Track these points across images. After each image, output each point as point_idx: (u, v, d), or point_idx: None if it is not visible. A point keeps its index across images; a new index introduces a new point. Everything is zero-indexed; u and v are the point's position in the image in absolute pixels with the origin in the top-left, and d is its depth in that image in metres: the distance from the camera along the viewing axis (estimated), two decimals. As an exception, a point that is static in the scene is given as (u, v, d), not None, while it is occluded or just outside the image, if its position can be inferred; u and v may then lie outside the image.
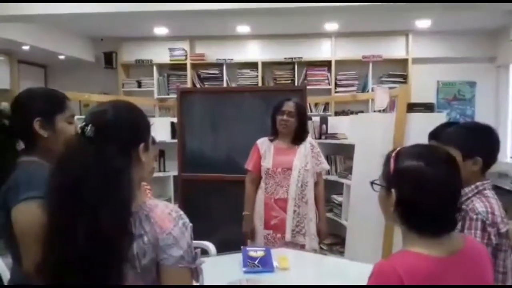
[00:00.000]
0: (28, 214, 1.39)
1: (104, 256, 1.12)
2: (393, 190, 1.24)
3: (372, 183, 1.34)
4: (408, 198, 1.22)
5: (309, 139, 3.24)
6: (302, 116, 3.15)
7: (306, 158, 3.09)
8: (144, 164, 1.28)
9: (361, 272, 2.22)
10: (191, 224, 1.25)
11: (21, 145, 1.66)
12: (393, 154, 1.28)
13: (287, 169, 3.06)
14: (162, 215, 1.21)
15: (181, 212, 1.25)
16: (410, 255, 1.20)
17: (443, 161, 1.25)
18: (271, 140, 3.19)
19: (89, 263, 1.12)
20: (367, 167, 3.46)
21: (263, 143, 3.20)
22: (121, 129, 1.23)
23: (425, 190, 1.20)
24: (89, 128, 1.19)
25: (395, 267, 1.15)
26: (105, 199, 1.13)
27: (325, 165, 3.25)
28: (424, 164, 1.21)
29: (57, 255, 1.14)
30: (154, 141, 2.12)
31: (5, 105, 1.69)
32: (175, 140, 4.39)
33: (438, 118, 3.25)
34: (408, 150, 1.29)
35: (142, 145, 1.26)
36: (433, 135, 2.28)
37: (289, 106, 3.09)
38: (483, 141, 1.81)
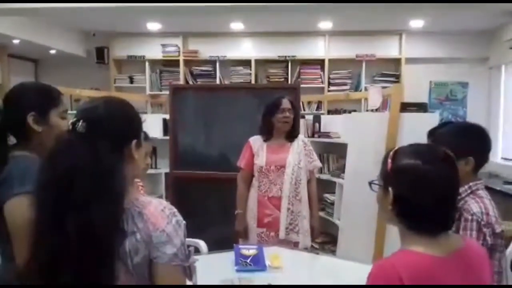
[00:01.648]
0: (23, 208, 1.36)
1: (95, 254, 1.10)
2: (390, 189, 1.25)
3: (370, 183, 1.35)
4: (405, 196, 1.22)
5: (301, 136, 3.25)
6: (297, 113, 3.22)
7: (299, 155, 3.09)
8: (137, 161, 1.26)
9: (354, 271, 2.25)
10: (184, 222, 1.24)
11: (11, 140, 1.63)
12: (391, 153, 1.29)
13: (280, 166, 3.05)
14: (155, 212, 1.19)
15: (175, 210, 1.24)
16: (409, 254, 1.20)
17: (440, 159, 1.25)
18: (264, 140, 3.18)
19: (80, 261, 1.10)
20: (360, 166, 3.47)
21: (255, 141, 3.19)
22: (113, 125, 1.21)
23: (422, 188, 1.20)
24: (80, 123, 1.17)
25: (394, 266, 1.15)
26: (97, 195, 1.12)
27: (318, 163, 3.25)
28: (421, 163, 1.22)
29: (47, 252, 1.12)
30: (147, 137, 2.11)
31: None
32: (167, 137, 4.37)
33: (431, 118, 3.26)
34: (405, 149, 1.29)
35: (134, 142, 1.25)
36: (431, 133, 2.28)
37: (287, 103, 3.10)
38: (475, 141, 1.82)
